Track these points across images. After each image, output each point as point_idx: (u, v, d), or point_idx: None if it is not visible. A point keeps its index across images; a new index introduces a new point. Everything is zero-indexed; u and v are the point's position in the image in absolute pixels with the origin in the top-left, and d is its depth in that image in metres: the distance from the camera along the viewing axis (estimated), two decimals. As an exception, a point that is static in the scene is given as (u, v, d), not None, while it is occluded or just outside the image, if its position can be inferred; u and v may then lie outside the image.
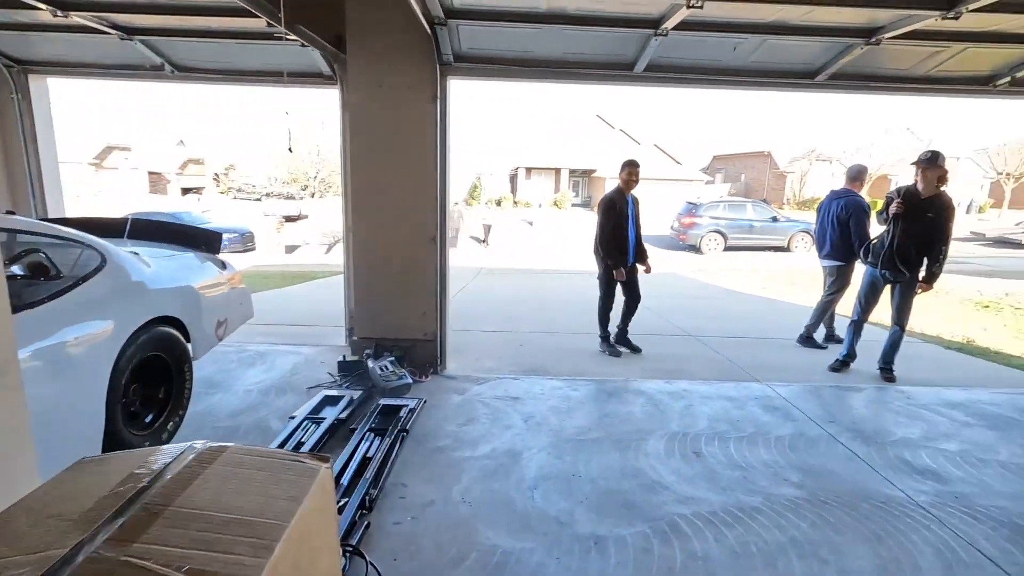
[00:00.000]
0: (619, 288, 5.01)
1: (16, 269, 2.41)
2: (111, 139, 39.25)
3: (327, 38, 3.92)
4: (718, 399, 4.03)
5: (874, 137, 31.53)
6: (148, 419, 3.01)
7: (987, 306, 8.59)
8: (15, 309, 2.25)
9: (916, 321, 7.18)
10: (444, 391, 4.04)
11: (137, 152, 39.96)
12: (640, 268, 5.07)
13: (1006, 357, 5.67)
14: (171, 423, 3.12)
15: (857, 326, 4.68)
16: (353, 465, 2.82)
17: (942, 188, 4.11)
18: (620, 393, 4.10)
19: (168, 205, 30.70)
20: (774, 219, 17.88)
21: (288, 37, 3.58)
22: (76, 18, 3.41)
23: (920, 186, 4.13)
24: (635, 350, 5.17)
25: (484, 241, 19.05)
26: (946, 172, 4.08)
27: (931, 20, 3.11)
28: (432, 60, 3.84)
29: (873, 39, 3.49)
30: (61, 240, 2.69)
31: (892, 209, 4.16)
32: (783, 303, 8.58)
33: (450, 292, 4.58)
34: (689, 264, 14.14)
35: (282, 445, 3.03)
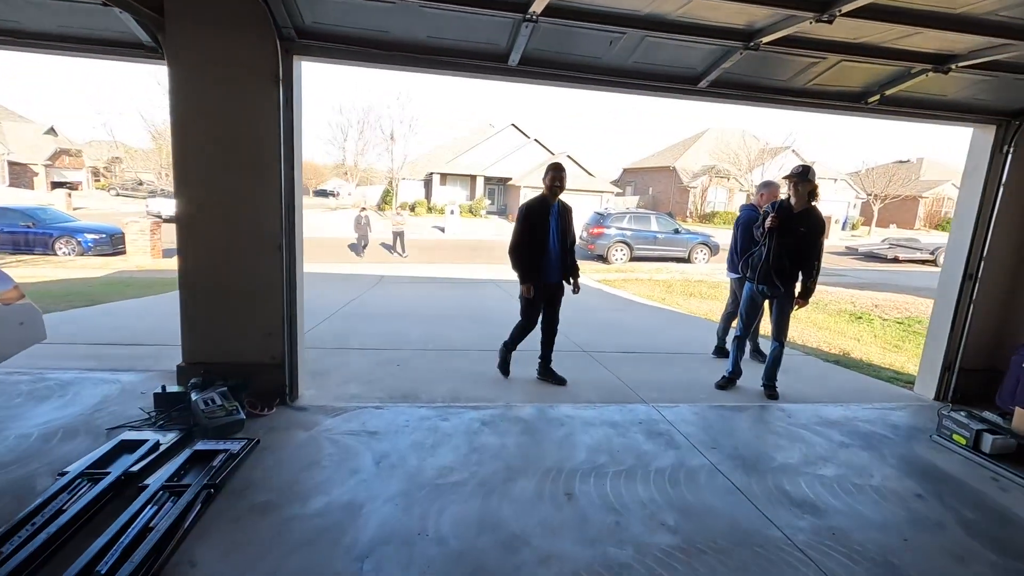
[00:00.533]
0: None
1: None
2: (-41, 123, 34.05)
3: (144, 1, 3.20)
4: (601, 425, 3.70)
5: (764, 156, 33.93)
6: None
7: (860, 317, 9.13)
8: None
9: (796, 332, 7.41)
10: (287, 427, 3.40)
11: (-6, 139, 34.94)
12: (567, 287, 4.45)
13: (876, 369, 5.88)
14: None
15: (740, 341, 4.58)
16: (123, 543, 2.15)
17: (813, 203, 4.09)
18: (496, 422, 3.67)
19: (29, 200, 26.97)
20: (676, 231, 18.52)
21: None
22: None
23: (792, 200, 4.08)
24: (559, 382, 4.50)
25: (394, 248, 18.18)
26: (816, 187, 4.06)
27: (806, 24, 2.96)
28: (271, 35, 3.23)
29: (752, 43, 3.33)
30: None
31: (767, 223, 4.08)
32: (681, 315, 8.64)
33: (303, 304, 3.95)
34: (596, 274, 14.18)
35: (30, 518, 2.28)
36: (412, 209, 31.98)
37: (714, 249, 18.41)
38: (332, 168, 48.72)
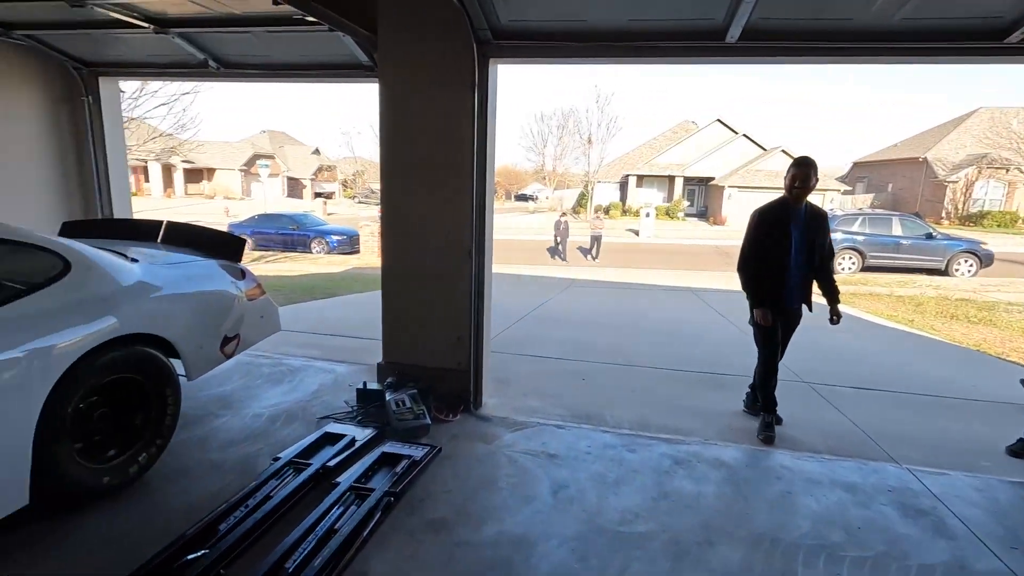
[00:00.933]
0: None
1: None
2: (257, 148, 43.78)
3: (362, 22, 3.43)
4: (831, 487, 2.92)
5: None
6: (111, 453, 2.63)
7: None
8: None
9: None
10: (470, 437, 3.35)
11: (279, 160, 44.19)
12: (807, 312, 3.57)
13: None
14: (143, 455, 2.74)
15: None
16: (310, 542, 2.22)
17: None
18: (692, 462, 3.14)
19: (296, 207, 33.40)
20: (929, 236, 15.05)
21: (307, 19, 3.12)
22: (96, 9, 3.24)
23: None
24: (776, 422, 3.65)
25: (590, 252, 18.04)
26: None
27: None
28: (468, 39, 3.19)
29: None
30: (15, 245, 2.38)
31: None
32: (938, 343, 6.83)
33: (490, 310, 3.89)
34: (815, 286, 12.18)
35: (245, 499, 2.51)
36: (606, 212, 31.72)
37: (985, 259, 14.52)
38: (532, 173, 51.08)
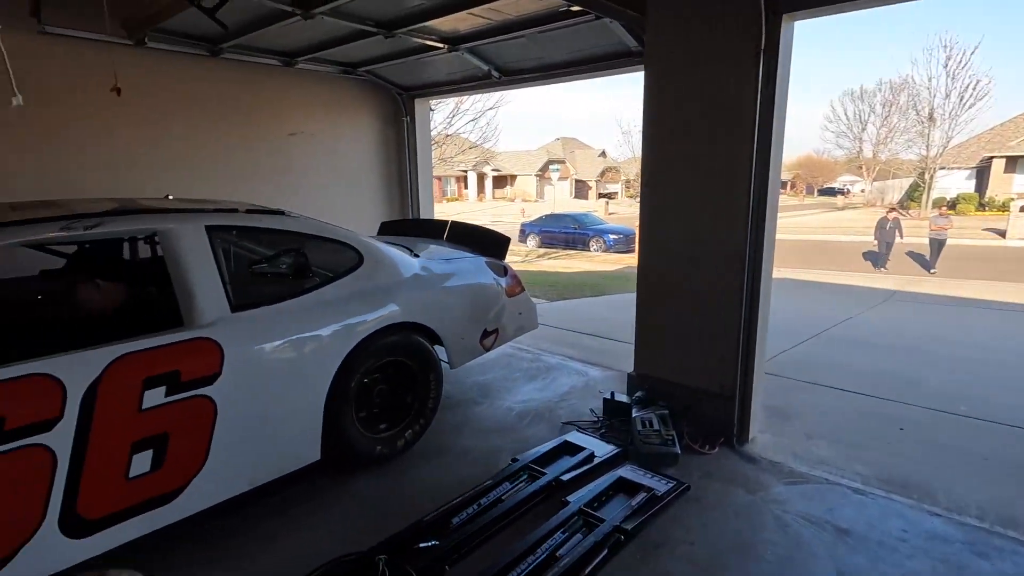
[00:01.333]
0: None
1: (269, 266, 2.63)
2: (551, 155, 48.01)
3: (628, 2, 3.16)
4: None
5: None
6: (383, 426, 2.98)
7: None
8: (264, 302, 2.44)
9: None
10: (728, 479, 2.78)
11: (569, 164, 47.68)
12: None
13: None
14: (409, 432, 3.04)
15: None
16: (529, 564, 2.08)
17: None
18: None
19: (581, 207, 35.40)
20: None
21: (572, 9, 3.00)
22: (402, 36, 3.74)
23: None
24: None
25: (930, 259, 13.74)
26: None
27: None
28: (755, -3, 2.59)
29: None
30: (326, 240, 2.86)
31: None
32: None
33: (766, 326, 3.18)
34: None
35: (479, 496, 2.53)
36: (952, 207, 24.65)
37: None
38: (844, 163, 43.18)
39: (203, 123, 4.27)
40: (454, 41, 4.02)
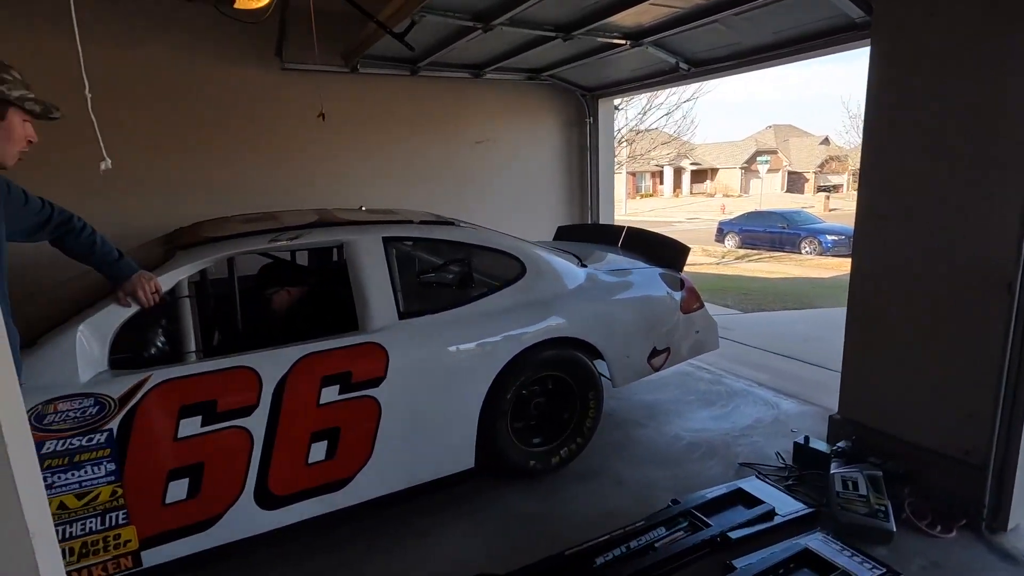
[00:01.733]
0: None
1: (435, 276, 2.73)
2: (761, 145, 43.54)
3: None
4: None
5: None
6: (537, 440, 2.92)
7: None
8: (428, 311, 2.55)
9: None
10: (965, 573, 2.10)
11: (782, 154, 42.73)
12: None
13: None
14: (565, 449, 2.93)
15: None
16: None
17: None
18: None
19: (792, 203, 31.42)
20: None
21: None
22: (582, 37, 3.59)
23: None
24: None
25: None
26: None
27: None
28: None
29: None
30: (490, 250, 2.88)
31: None
32: None
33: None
34: None
35: (628, 538, 2.30)
36: None
37: None
38: None
39: (400, 138, 4.71)
40: (637, 36, 3.76)
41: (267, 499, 2.21)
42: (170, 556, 2.08)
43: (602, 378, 3.07)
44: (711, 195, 43.15)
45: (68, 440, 1.87)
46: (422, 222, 2.77)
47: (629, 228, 4.16)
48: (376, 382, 2.35)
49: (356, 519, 2.52)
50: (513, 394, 2.73)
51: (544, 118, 5.36)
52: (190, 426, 2.04)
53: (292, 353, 2.22)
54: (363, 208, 3.17)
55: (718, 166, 44.74)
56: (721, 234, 18.32)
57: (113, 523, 1.97)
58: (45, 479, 1.84)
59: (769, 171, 35.51)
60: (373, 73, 4.34)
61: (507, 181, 5.27)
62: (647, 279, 3.35)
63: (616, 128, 12.77)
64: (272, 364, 2.18)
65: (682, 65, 4.13)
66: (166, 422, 2.01)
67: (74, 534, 1.92)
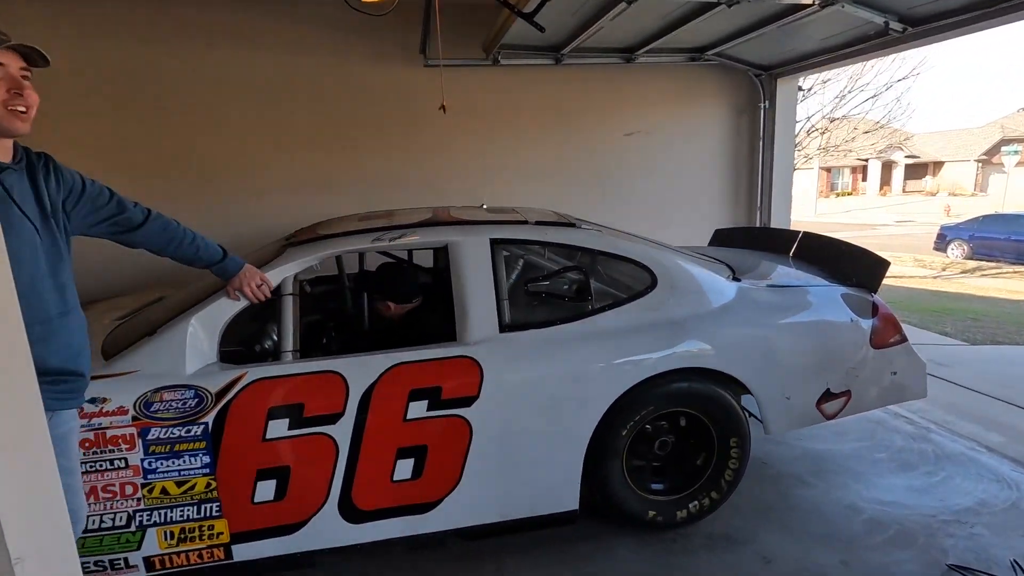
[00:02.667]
0: None
1: (545, 284, 2.39)
2: (1008, 132, 35.05)
3: None
4: None
5: None
6: (659, 487, 2.43)
7: None
8: (533, 324, 2.24)
9: None
10: None
11: (1038, 142, 33.94)
12: None
13: None
14: (694, 503, 2.40)
15: None
16: None
17: None
18: None
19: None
20: None
21: None
22: (747, 3, 2.91)
23: None
24: None
25: None
26: None
27: None
28: None
29: None
30: (615, 257, 2.45)
31: None
32: None
33: None
34: None
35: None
36: None
37: None
38: None
39: (543, 132, 4.44)
40: (828, -10, 2.98)
41: (351, 511, 2.10)
42: (258, 554, 2.07)
43: (753, 418, 2.47)
44: (931, 194, 35.89)
45: (170, 429, 1.92)
46: (538, 223, 2.46)
47: (806, 234, 3.38)
48: (467, 401, 2.10)
49: (444, 547, 2.32)
50: (632, 431, 2.29)
51: (707, 104, 4.68)
52: (278, 428, 2.00)
53: (381, 361, 2.08)
54: (484, 206, 2.96)
55: (944, 159, 37.02)
56: (943, 241, 14.96)
57: (208, 514, 2.00)
58: (149, 464, 1.93)
59: (1019, 164, 28.23)
60: (515, 64, 4.13)
61: (659, 177, 4.71)
62: (824, 300, 2.62)
63: (804, 115, 11.06)
64: (360, 371, 2.05)
65: (894, 26, 3.18)
66: (256, 421, 1.98)
67: (174, 519, 1.98)
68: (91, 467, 1.89)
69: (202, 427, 1.94)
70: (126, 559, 1.98)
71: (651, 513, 2.37)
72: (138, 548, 1.98)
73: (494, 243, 2.30)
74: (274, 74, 3.97)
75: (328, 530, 2.10)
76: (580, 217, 2.80)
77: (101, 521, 1.94)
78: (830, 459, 2.95)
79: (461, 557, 2.29)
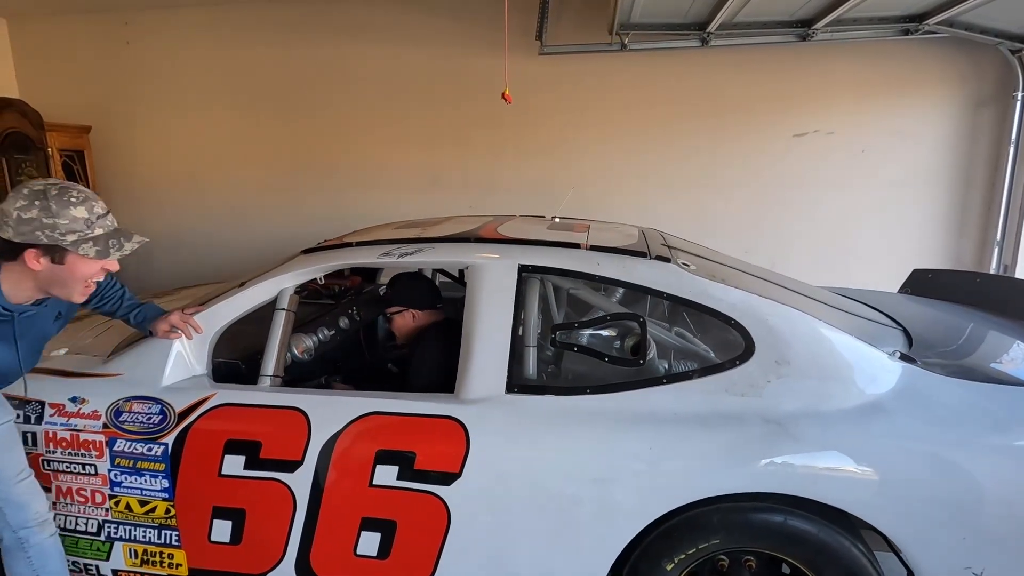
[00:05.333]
0: None
1: (581, 334, 1.74)
2: None
3: None
4: None
5: None
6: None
7: None
8: (553, 389, 1.64)
9: None
10: None
11: None
12: None
13: None
14: None
15: None
16: None
17: None
18: None
19: None
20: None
21: None
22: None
23: None
24: None
25: None
26: None
27: None
28: None
29: None
30: (697, 307, 1.68)
31: None
32: None
33: None
34: None
35: None
36: None
37: None
38: None
39: (677, 130, 3.64)
40: None
41: (309, 577, 1.75)
42: (217, 598, 1.83)
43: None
44: None
45: (133, 443, 1.77)
46: (592, 247, 1.82)
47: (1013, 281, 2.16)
48: (446, 478, 1.59)
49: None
50: (683, 566, 1.55)
51: (923, 95, 3.37)
52: (234, 464, 1.72)
53: (352, 406, 1.68)
54: (556, 219, 2.39)
55: None
56: None
57: (168, 541, 1.82)
58: (115, 476, 1.79)
59: None
60: (648, 49, 3.42)
61: (841, 194, 3.56)
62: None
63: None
64: (326, 414, 1.68)
65: None
66: (213, 451, 1.73)
67: (137, 538, 1.84)
68: (67, 467, 1.82)
69: (162, 447, 1.75)
70: (97, 567, 1.89)
71: None
72: (107, 559, 1.87)
73: (524, 270, 1.74)
74: (388, 69, 3.86)
75: (281, 594, 1.77)
76: (706, 246, 2.09)
77: (76, 523, 1.87)
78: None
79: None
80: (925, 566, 1.45)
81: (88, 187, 4.36)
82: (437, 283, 2.63)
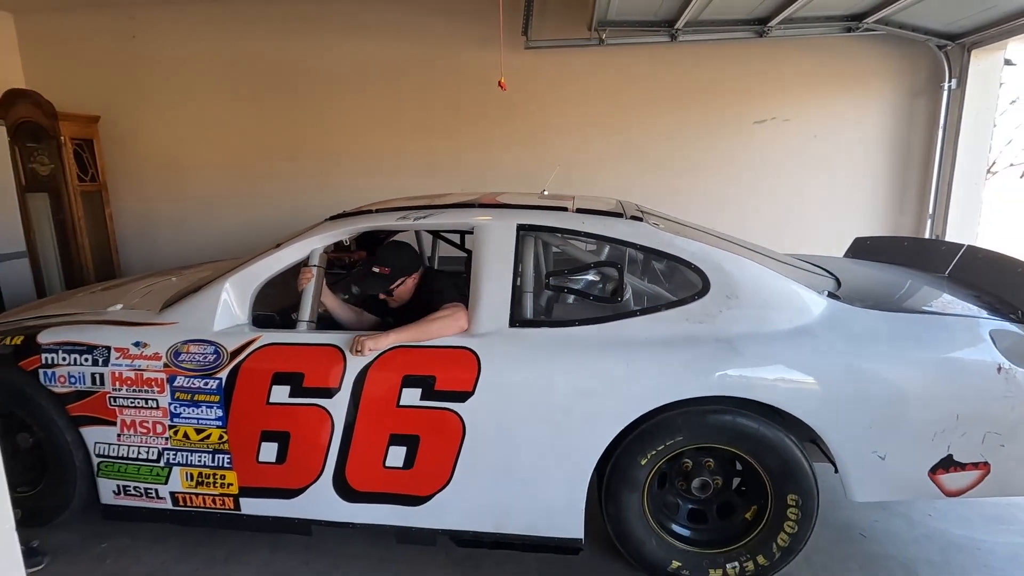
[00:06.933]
0: None
1: (568, 279, 2.10)
2: None
3: None
4: None
5: None
6: (690, 534, 2.01)
7: None
8: (547, 323, 2.00)
9: None
10: None
11: None
12: None
13: None
14: (733, 564, 1.95)
15: None
16: None
17: None
18: None
19: None
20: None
21: None
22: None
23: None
24: None
25: None
26: None
27: None
28: None
29: None
30: (662, 255, 2.06)
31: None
32: None
33: None
34: None
35: None
36: None
37: None
38: None
39: (651, 117, 4.02)
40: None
41: (344, 489, 2.08)
42: (262, 511, 2.15)
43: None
44: None
45: (191, 379, 2.08)
46: (578, 210, 2.18)
47: (971, 248, 2.58)
48: (461, 396, 1.94)
49: (442, 552, 2.19)
50: (655, 461, 1.93)
51: (866, 86, 3.81)
52: (280, 393, 2.04)
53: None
54: (544, 193, 2.74)
55: None
56: None
57: (220, 464, 2.13)
58: (175, 408, 2.10)
59: None
60: (623, 44, 3.79)
61: (795, 174, 3.98)
62: (958, 332, 1.93)
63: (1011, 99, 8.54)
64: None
65: None
66: (262, 383, 2.05)
67: (193, 463, 2.14)
68: (131, 403, 2.12)
69: (217, 382, 2.06)
70: (156, 490, 2.19)
71: (675, 564, 1.98)
72: (165, 483, 2.18)
73: (522, 229, 2.09)
74: (385, 62, 4.16)
75: (323, 502, 2.10)
76: (680, 216, 2.45)
77: (138, 452, 2.17)
78: (967, 551, 2.20)
79: (457, 560, 2.14)
80: (842, 452, 1.85)
81: (97, 173, 4.53)
82: (438, 250, 2.97)
